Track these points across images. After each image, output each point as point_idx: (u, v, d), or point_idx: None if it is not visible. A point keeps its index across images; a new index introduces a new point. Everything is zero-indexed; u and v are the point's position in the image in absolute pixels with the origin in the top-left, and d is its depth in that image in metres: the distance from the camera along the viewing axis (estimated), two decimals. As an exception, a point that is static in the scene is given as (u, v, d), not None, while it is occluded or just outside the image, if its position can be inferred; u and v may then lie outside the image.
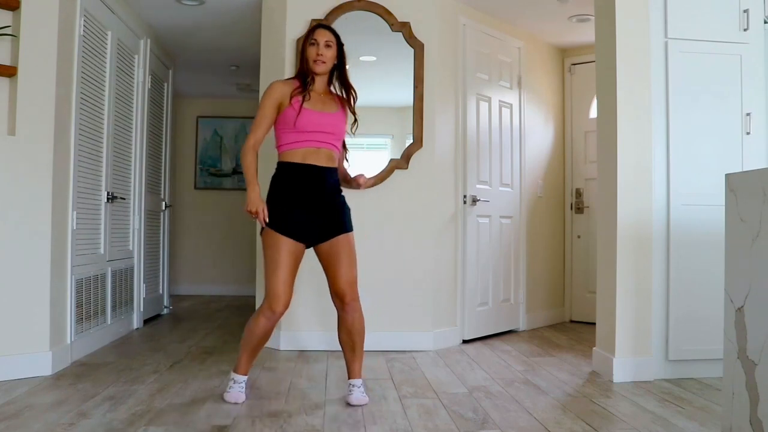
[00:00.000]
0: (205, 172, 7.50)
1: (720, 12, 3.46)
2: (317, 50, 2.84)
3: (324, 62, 2.84)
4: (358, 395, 2.89)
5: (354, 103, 3.00)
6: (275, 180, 2.85)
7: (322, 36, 2.86)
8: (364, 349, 4.14)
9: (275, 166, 2.89)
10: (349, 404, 2.86)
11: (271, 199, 2.82)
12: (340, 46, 2.92)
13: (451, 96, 4.45)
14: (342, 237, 2.88)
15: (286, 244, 2.76)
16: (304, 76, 2.88)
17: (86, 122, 3.83)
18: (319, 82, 2.90)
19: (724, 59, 3.47)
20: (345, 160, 3.07)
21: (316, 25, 2.95)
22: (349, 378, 2.97)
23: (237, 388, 2.89)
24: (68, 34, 3.52)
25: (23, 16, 3.26)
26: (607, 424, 2.58)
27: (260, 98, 2.77)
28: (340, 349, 3.01)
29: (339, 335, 2.98)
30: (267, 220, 2.76)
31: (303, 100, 2.80)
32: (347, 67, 2.98)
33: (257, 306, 4.34)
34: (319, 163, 2.81)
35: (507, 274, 4.93)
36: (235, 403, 2.83)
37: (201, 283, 7.40)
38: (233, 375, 2.93)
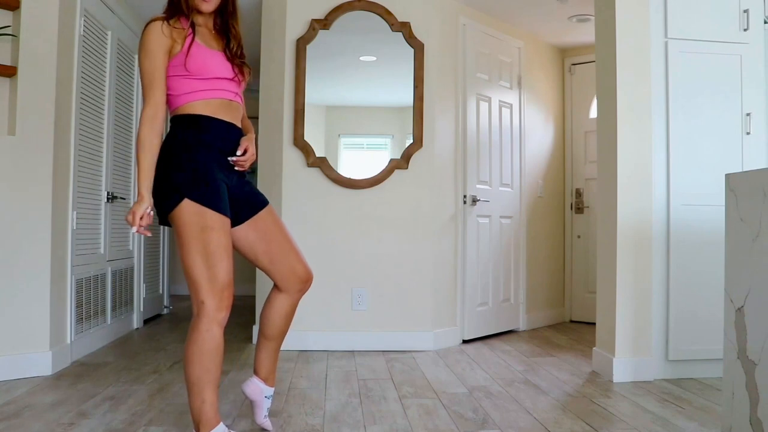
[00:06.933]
0: (205, 172, 7.48)
1: (720, 12, 3.46)
2: None
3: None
4: (264, 411, 2.44)
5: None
6: (181, 138, 2.15)
7: None
8: (364, 348, 4.19)
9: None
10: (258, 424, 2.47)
11: (183, 164, 2.11)
12: None
13: (451, 96, 4.46)
14: (266, 210, 2.34)
15: (220, 221, 2.10)
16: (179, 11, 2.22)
17: (86, 122, 3.83)
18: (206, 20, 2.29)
19: (724, 59, 3.47)
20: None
21: None
22: (268, 382, 2.44)
23: None
24: (68, 34, 3.52)
25: (23, 16, 3.26)
26: (607, 424, 2.58)
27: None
28: (265, 336, 2.46)
29: (270, 321, 2.41)
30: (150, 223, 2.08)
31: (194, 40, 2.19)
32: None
33: (258, 315, 4.34)
34: (233, 120, 2.26)
35: (507, 274, 4.93)
36: None
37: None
38: None
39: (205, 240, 2.06)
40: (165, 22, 2.15)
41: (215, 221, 2.08)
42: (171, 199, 2.08)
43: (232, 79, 2.25)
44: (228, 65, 2.24)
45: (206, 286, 2.06)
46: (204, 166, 2.12)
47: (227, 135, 2.21)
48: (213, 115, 2.18)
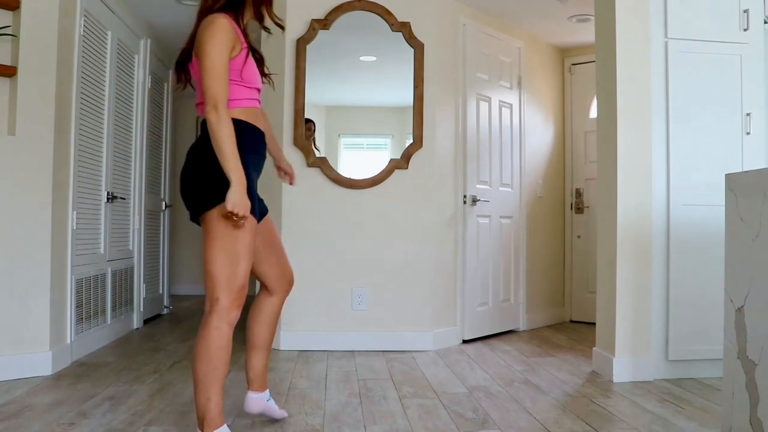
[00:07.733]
0: (205, 172, 7.47)
1: (720, 12, 3.46)
2: None
3: None
4: (276, 408, 2.57)
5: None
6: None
7: None
8: (364, 348, 4.19)
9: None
10: (274, 420, 2.58)
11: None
12: None
13: (451, 96, 4.46)
14: (267, 217, 2.45)
15: (251, 222, 2.15)
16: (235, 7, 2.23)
17: (86, 122, 3.83)
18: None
19: (724, 59, 3.47)
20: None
21: None
22: (262, 388, 2.49)
23: None
24: (68, 34, 3.52)
25: (23, 16, 3.26)
26: (607, 424, 2.58)
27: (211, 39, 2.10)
28: (256, 346, 2.48)
29: (257, 328, 2.46)
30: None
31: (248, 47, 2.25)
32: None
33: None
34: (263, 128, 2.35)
35: (507, 274, 4.93)
36: None
37: (201, 283, 7.40)
38: None
39: (235, 239, 2.09)
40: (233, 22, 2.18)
41: (247, 223, 2.12)
42: (213, 198, 2.08)
43: (259, 89, 2.32)
44: (259, 75, 2.32)
45: (224, 284, 2.08)
46: (245, 170, 2.12)
47: (261, 141, 2.30)
48: (251, 122, 2.24)
